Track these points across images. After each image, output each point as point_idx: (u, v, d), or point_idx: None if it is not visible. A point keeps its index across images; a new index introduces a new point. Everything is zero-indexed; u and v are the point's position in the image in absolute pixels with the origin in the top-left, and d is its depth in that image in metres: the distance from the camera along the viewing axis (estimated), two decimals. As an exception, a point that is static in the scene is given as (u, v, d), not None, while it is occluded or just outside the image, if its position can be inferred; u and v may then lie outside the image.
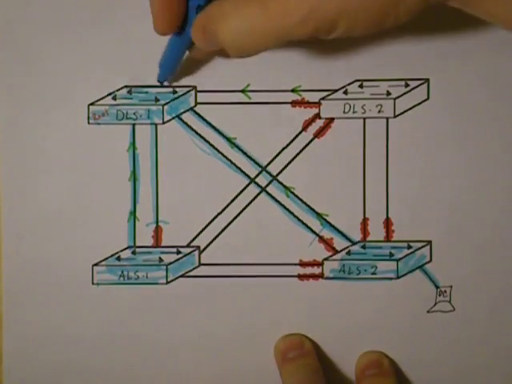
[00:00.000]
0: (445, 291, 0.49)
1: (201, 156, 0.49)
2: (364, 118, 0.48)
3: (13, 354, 0.49)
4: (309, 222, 0.49)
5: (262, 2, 0.38)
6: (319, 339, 0.49)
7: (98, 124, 0.48)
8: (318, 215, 0.49)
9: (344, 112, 0.48)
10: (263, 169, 0.49)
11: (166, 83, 0.48)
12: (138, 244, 0.49)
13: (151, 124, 0.48)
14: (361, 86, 0.48)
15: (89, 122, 0.48)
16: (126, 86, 0.48)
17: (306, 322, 0.49)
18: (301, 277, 0.49)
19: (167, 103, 0.48)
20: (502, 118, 0.48)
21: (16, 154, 0.48)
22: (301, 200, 0.49)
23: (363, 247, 0.49)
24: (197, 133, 0.48)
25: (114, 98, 0.48)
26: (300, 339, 0.48)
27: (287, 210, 0.49)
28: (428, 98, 0.48)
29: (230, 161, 0.49)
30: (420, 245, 0.48)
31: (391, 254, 0.49)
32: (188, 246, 0.49)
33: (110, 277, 0.49)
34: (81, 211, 0.48)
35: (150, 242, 0.49)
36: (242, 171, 0.49)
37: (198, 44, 0.42)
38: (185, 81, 0.48)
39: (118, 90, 0.48)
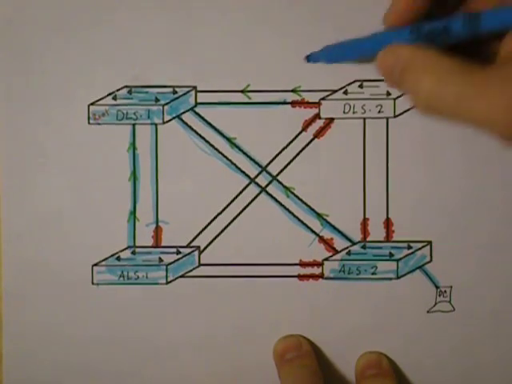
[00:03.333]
0: (445, 291, 0.48)
1: (201, 156, 0.49)
2: (364, 118, 0.48)
3: (13, 354, 0.49)
4: (309, 222, 0.49)
5: (486, 79, 0.34)
6: (319, 339, 0.49)
7: (98, 124, 0.48)
8: (318, 215, 0.49)
9: (344, 112, 0.48)
10: (263, 169, 0.49)
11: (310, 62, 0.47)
12: (137, 244, 0.49)
13: (151, 124, 0.48)
14: (361, 86, 0.48)
15: (89, 122, 0.48)
16: (126, 86, 0.48)
17: (305, 322, 0.49)
18: (301, 277, 0.49)
19: (167, 103, 0.48)
20: (502, 118, 0.48)
21: (16, 153, 0.48)
22: (301, 200, 0.49)
23: (363, 247, 0.49)
24: (197, 133, 0.48)
25: (114, 98, 0.48)
26: (298, 340, 0.48)
27: (287, 210, 0.49)
28: (428, 98, 0.48)
29: (230, 161, 0.49)
30: (420, 245, 0.48)
31: (391, 254, 0.49)
32: (188, 246, 0.49)
33: (110, 277, 0.49)
34: (81, 211, 0.48)
35: (150, 242, 0.49)
36: (241, 171, 0.49)
37: (380, 70, 0.40)
38: (185, 81, 0.48)
39: (118, 90, 0.48)
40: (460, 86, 0.35)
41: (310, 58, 0.46)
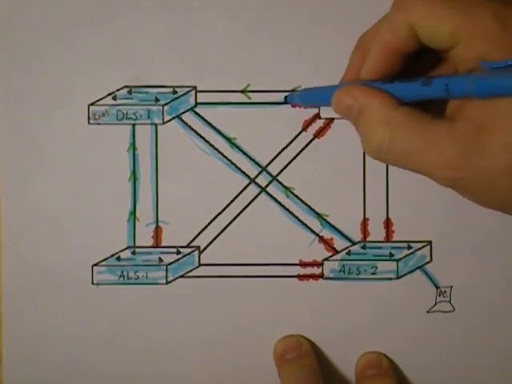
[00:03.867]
0: (445, 291, 0.48)
1: (201, 156, 0.49)
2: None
3: (13, 354, 0.49)
4: (309, 222, 0.49)
5: (431, 136, 0.35)
6: (319, 339, 0.49)
7: (98, 124, 0.48)
8: (318, 215, 0.49)
9: (344, 112, 0.48)
10: (263, 169, 0.49)
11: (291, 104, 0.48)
12: (137, 244, 0.49)
13: (151, 124, 0.48)
14: (361, 86, 0.48)
15: (89, 122, 0.48)
16: (126, 86, 0.48)
17: (305, 322, 0.49)
18: (301, 277, 0.49)
19: (167, 103, 0.48)
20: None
21: (16, 153, 0.48)
22: (301, 200, 0.49)
23: (363, 247, 0.49)
24: (197, 133, 0.48)
25: (114, 98, 0.48)
26: (298, 340, 0.48)
27: (287, 210, 0.49)
28: (428, 98, 0.48)
29: (230, 161, 0.49)
30: (420, 245, 0.48)
31: (391, 255, 0.49)
32: (188, 246, 0.49)
33: (110, 277, 0.49)
34: (81, 211, 0.48)
35: (150, 242, 0.49)
36: (241, 171, 0.49)
37: (336, 110, 0.40)
38: (185, 81, 0.48)
39: (118, 90, 0.48)
40: (410, 142, 0.36)
41: (287, 99, 0.48)
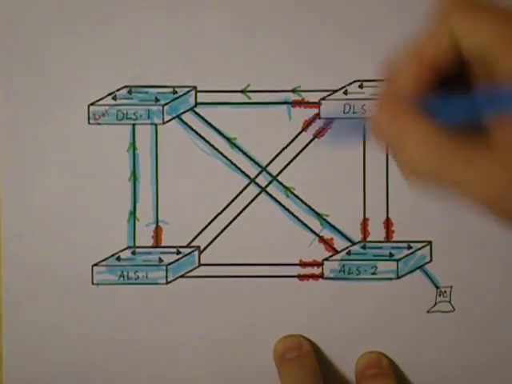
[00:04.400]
0: (445, 291, 0.48)
1: (201, 156, 0.49)
2: (364, 118, 0.48)
3: (13, 354, 0.49)
4: (309, 222, 0.49)
5: (469, 156, 0.34)
6: (319, 339, 0.49)
7: (98, 124, 0.48)
8: (318, 215, 0.49)
9: (344, 112, 0.48)
10: (263, 169, 0.49)
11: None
12: (137, 244, 0.49)
13: (151, 124, 0.48)
14: (361, 86, 0.48)
15: (89, 122, 0.48)
16: (126, 86, 0.48)
17: (305, 322, 0.49)
18: (301, 277, 0.49)
19: (167, 103, 0.48)
20: (502, 118, 0.48)
21: (16, 153, 0.48)
22: (301, 200, 0.49)
23: (363, 247, 0.49)
24: (197, 133, 0.48)
25: (114, 98, 0.48)
26: (298, 340, 0.48)
27: (287, 210, 0.49)
28: (428, 98, 0.48)
29: (230, 161, 0.49)
30: (420, 245, 0.48)
31: (391, 254, 0.49)
32: (188, 246, 0.49)
33: (110, 277, 0.49)
34: (81, 211, 0.48)
35: (150, 242, 0.49)
36: (241, 171, 0.49)
37: (373, 133, 0.38)
38: (185, 81, 0.48)
39: (118, 90, 0.48)
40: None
41: (330, 139, 0.48)
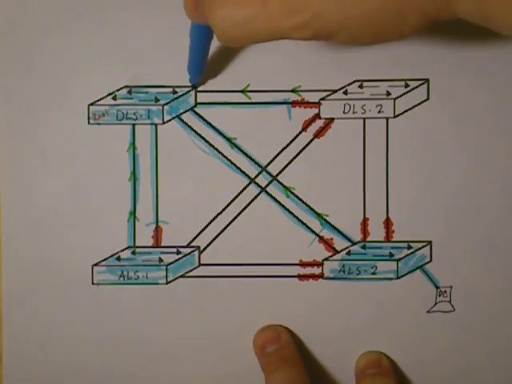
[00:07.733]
0: (445, 291, 0.49)
1: (201, 156, 0.49)
2: (364, 118, 0.48)
3: (13, 354, 0.49)
4: (309, 222, 0.49)
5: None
6: (319, 339, 0.49)
7: (98, 124, 0.48)
8: (318, 215, 0.49)
9: (344, 112, 0.48)
10: (263, 169, 0.49)
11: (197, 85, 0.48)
12: (137, 244, 0.49)
13: (151, 124, 0.48)
14: (361, 86, 0.48)
15: (89, 122, 0.48)
16: (126, 86, 0.48)
17: (305, 322, 0.49)
18: (301, 277, 0.49)
19: (167, 103, 0.48)
20: (502, 118, 0.48)
21: (16, 153, 0.48)
22: (301, 200, 0.49)
23: (363, 247, 0.49)
24: (197, 133, 0.48)
25: (114, 98, 0.48)
26: (276, 331, 0.48)
27: (287, 210, 0.49)
28: (428, 99, 0.48)
29: (230, 161, 0.49)
30: (420, 245, 0.48)
31: (391, 254, 0.49)
32: (188, 246, 0.49)
33: (110, 277, 0.49)
34: (81, 211, 0.48)
35: (150, 242, 0.49)
36: (241, 171, 0.49)
37: (189, 16, 0.41)
38: (185, 81, 0.48)
39: (118, 90, 0.48)
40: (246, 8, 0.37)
41: (193, 83, 0.48)
